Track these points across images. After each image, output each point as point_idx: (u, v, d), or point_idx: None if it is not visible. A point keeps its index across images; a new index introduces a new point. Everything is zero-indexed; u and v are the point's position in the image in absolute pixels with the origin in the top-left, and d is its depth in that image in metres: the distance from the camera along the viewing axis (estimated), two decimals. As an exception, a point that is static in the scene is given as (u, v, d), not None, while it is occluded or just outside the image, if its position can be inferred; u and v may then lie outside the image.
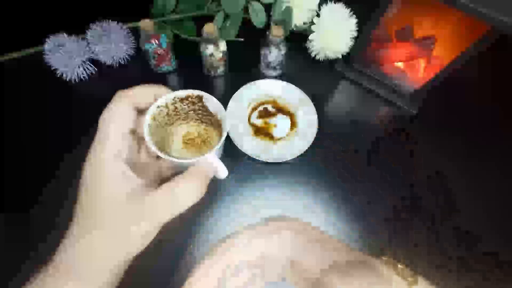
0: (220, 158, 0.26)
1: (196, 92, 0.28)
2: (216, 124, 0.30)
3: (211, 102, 0.28)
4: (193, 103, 0.29)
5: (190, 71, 0.48)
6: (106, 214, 0.21)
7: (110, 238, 0.21)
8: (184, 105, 0.29)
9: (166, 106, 0.27)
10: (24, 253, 0.31)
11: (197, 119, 0.32)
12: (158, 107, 0.26)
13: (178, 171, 0.24)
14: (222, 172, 0.26)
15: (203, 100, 0.28)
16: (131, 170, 0.22)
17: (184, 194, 0.22)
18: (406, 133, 0.45)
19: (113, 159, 0.22)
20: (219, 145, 0.26)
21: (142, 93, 0.25)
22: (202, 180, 0.23)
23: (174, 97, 0.27)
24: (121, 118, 0.23)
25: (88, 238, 0.21)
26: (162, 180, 0.23)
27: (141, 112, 0.25)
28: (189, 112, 0.30)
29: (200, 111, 0.30)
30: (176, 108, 0.28)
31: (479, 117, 0.48)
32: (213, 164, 0.25)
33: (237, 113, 0.43)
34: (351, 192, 0.40)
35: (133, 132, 0.24)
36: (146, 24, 0.39)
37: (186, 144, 0.32)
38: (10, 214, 0.35)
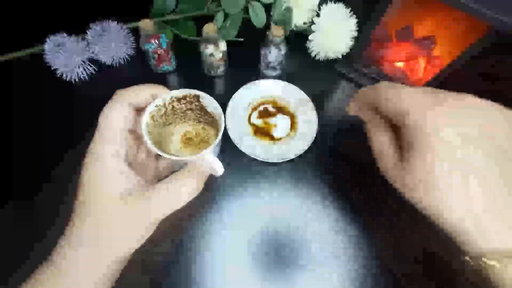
0: (217, 156, 0.27)
1: (193, 92, 0.28)
2: (213, 123, 0.30)
3: (208, 102, 0.28)
4: (191, 103, 0.29)
5: (190, 71, 0.48)
6: (105, 210, 0.21)
7: (109, 234, 0.21)
8: (181, 104, 0.29)
9: (164, 106, 0.28)
10: (25, 249, 0.31)
11: (195, 119, 0.32)
12: (156, 106, 0.26)
13: (176, 170, 0.24)
14: (218, 169, 0.26)
15: (200, 99, 0.29)
16: (129, 169, 0.23)
17: (180, 191, 0.22)
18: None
19: (112, 157, 0.22)
20: (215, 143, 0.26)
21: (140, 93, 0.25)
22: (199, 177, 0.24)
23: (172, 97, 0.27)
24: (120, 117, 0.23)
25: (86, 234, 0.21)
26: (160, 179, 0.23)
27: (139, 111, 0.26)
28: (186, 112, 0.31)
29: (197, 111, 0.31)
30: (173, 107, 0.29)
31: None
32: (209, 161, 0.25)
33: (237, 113, 0.43)
34: (352, 192, 0.40)
35: (132, 131, 0.25)
36: (146, 24, 0.39)
37: (185, 143, 0.32)
38: (11, 212, 0.35)
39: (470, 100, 0.20)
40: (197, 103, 0.29)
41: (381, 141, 0.25)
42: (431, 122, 0.19)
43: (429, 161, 0.19)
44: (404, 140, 0.21)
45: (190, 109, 0.30)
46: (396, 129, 0.23)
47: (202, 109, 0.30)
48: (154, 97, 0.26)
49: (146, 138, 0.24)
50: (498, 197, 0.18)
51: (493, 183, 0.18)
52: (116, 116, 0.23)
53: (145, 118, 0.25)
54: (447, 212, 0.19)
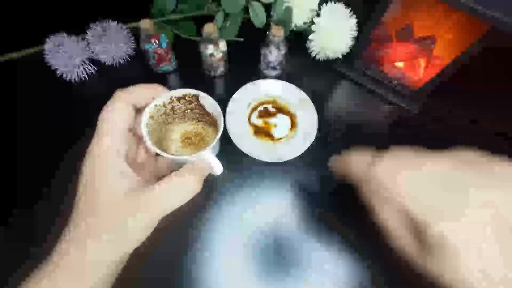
0: (217, 155, 0.27)
1: (193, 92, 0.28)
2: (212, 122, 0.31)
3: (207, 101, 0.28)
4: (190, 102, 0.29)
5: (190, 71, 0.48)
6: (104, 208, 0.21)
7: (108, 232, 0.21)
8: (181, 104, 0.29)
9: (164, 105, 0.28)
10: (25, 249, 0.31)
11: (194, 118, 0.32)
12: (156, 106, 0.26)
13: (175, 169, 0.24)
14: (217, 168, 0.26)
15: (199, 99, 0.29)
16: (129, 167, 0.23)
17: (179, 190, 0.23)
18: (407, 133, 0.45)
19: (112, 156, 0.22)
20: (214, 143, 0.26)
21: (140, 92, 0.25)
22: (198, 176, 0.24)
23: (171, 97, 0.27)
24: (119, 116, 0.24)
25: (86, 233, 0.21)
26: (159, 178, 0.23)
27: (139, 111, 0.26)
28: (186, 111, 0.31)
29: (197, 110, 0.31)
30: (173, 107, 0.29)
31: (479, 117, 0.48)
32: (208, 161, 0.25)
33: (237, 113, 0.43)
34: (352, 192, 0.40)
35: (132, 130, 0.25)
36: (146, 24, 0.39)
37: (184, 142, 0.32)
38: (11, 212, 0.35)
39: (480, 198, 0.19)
40: (196, 103, 0.29)
41: (390, 220, 0.22)
42: (456, 238, 0.18)
43: (456, 267, 0.18)
44: (422, 235, 0.20)
45: (190, 108, 0.30)
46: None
47: (202, 108, 0.30)
48: (154, 96, 0.26)
49: (145, 137, 0.25)
50: None
51: None
52: (116, 115, 0.23)
53: (145, 117, 0.25)
54: None
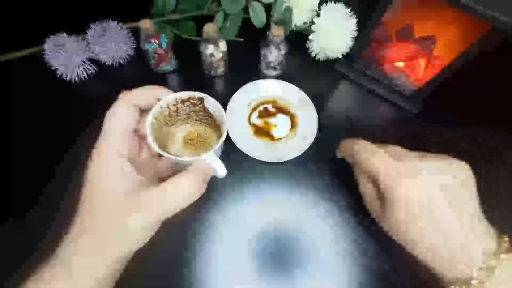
0: (220, 158, 0.27)
1: (198, 94, 0.28)
2: (215, 125, 0.31)
3: (212, 104, 0.29)
4: (194, 105, 0.29)
5: (190, 71, 0.48)
6: (105, 207, 0.21)
7: (108, 232, 0.21)
8: (185, 106, 0.29)
9: (168, 107, 0.28)
10: (23, 251, 0.31)
11: (198, 120, 0.32)
12: (160, 107, 0.27)
13: (178, 170, 0.24)
14: (221, 171, 0.26)
15: (204, 101, 0.29)
16: (130, 167, 0.23)
17: (182, 191, 0.23)
18: (407, 133, 0.45)
19: (115, 156, 0.23)
20: (218, 145, 0.26)
21: (144, 94, 0.26)
22: (201, 178, 0.24)
23: (176, 98, 0.28)
24: (124, 117, 0.24)
25: (87, 232, 0.22)
26: (162, 179, 0.23)
27: (143, 112, 0.26)
28: (190, 113, 0.31)
29: (200, 112, 0.31)
30: (177, 109, 0.29)
31: (480, 117, 0.48)
32: (211, 163, 0.25)
33: (237, 113, 0.43)
34: (352, 192, 0.40)
35: (136, 131, 0.25)
36: (146, 24, 0.39)
37: (187, 144, 0.32)
38: (10, 212, 0.35)
39: (427, 165, 0.26)
40: (200, 105, 0.29)
41: (365, 188, 0.31)
42: (400, 191, 0.25)
43: (402, 216, 0.26)
44: (381, 192, 0.27)
45: (194, 110, 0.30)
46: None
47: (205, 111, 0.30)
48: (158, 98, 0.26)
49: (149, 138, 0.25)
50: (452, 235, 0.24)
51: (451, 225, 0.24)
52: (121, 116, 0.24)
53: (149, 119, 0.25)
54: (417, 249, 0.26)
